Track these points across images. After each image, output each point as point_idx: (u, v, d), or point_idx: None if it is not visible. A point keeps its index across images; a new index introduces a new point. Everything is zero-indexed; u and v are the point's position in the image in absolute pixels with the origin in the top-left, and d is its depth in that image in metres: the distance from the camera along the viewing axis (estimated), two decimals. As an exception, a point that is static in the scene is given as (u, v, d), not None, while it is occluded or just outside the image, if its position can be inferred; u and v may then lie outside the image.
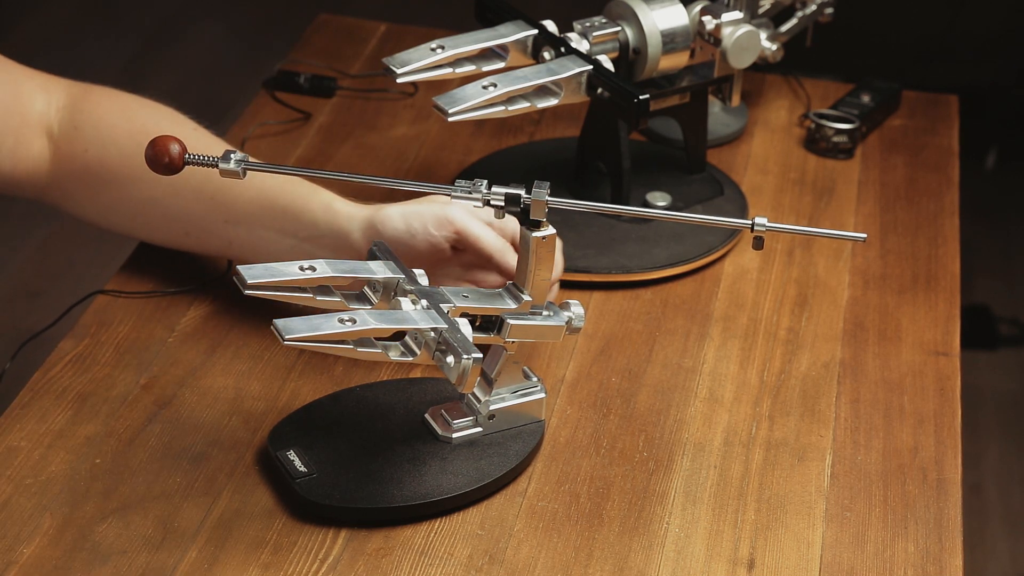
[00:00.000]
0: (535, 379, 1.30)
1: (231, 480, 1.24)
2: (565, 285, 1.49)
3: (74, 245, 1.45)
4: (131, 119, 1.41)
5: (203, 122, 1.45)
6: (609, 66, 1.48)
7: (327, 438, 1.27)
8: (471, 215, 1.34)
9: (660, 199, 1.59)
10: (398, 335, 1.17)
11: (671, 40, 1.55)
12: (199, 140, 1.41)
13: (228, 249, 1.42)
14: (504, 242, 1.35)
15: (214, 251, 1.44)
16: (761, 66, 1.69)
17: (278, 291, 1.18)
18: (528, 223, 1.22)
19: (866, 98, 1.79)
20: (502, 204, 1.21)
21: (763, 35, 1.65)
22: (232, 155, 1.21)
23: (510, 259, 1.34)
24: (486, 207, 1.21)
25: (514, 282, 1.26)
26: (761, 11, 1.65)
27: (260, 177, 1.37)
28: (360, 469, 1.24)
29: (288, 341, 1.11)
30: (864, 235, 1.21)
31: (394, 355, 1.16)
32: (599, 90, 1.46)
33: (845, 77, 2.00)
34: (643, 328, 1.46)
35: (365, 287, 1.23)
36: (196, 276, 1.47)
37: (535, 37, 1.50)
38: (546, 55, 1.49)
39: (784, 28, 1.70)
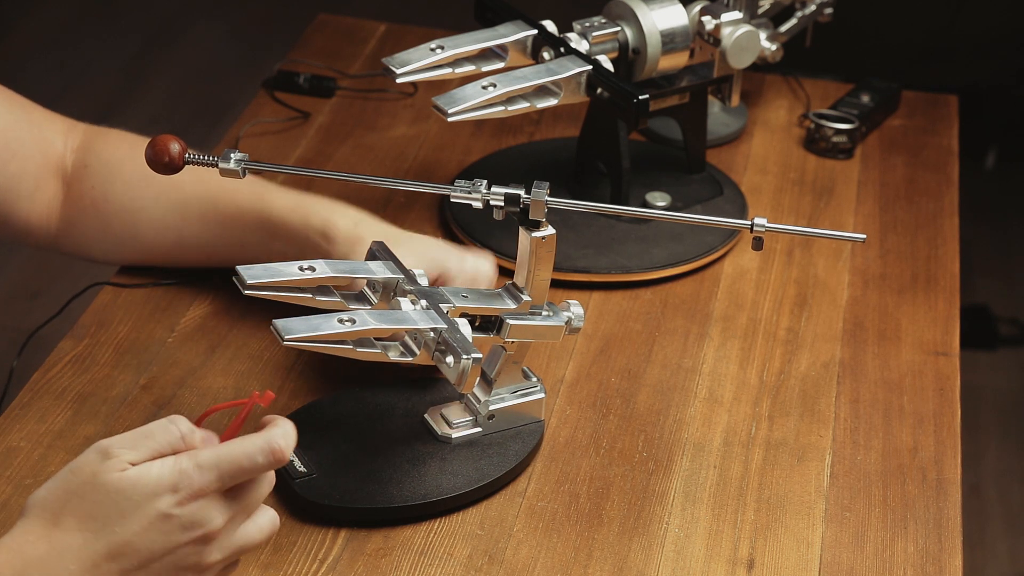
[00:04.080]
0: (535, 379, 1.30)
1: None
2: (565, 285, 1.49)
3: (85, 256, 1.46)
4: (138, 156, 1.41)
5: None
6: (609, 66, 1.48)
7: (327, 438, 1.27)
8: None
9: (660, 199, 1.59)
10: (397, 335, 1.17)
11: (671, 40, 1.55)
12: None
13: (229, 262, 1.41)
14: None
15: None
16: (761, 66, 1.69)
17: (278, 291, 1.18)
18: (528, 223, 1.22)
19: (866, 98, 1.79)
20: (502, 204, 1.21)
21: (762, 35, 1.65)
22: (232, 154, 1.21)
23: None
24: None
25: (513, 282, 1.26)
26: (761, 11, 1.65)
27: (261, 204, 1.38)
28: (360, 469, 1.24)
29: (288, 341, 1.11)
30: (863, 236, 1.21)
31: (394, 355, 1.16)
32: (599, 90, 1.46)
33: (845, 77, 2.00)
34: (643, 328, 1.46)
35: (365, 287, 1.23)
36: (195, 271, 1.47)
37: (535, 37, 1.50)
38: (546, 55, 1.49)
39: (784, 28, 1.70)
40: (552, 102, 1.46)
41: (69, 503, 1.01)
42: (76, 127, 1.46)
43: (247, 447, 1.02)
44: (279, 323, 1.11)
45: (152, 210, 1.41)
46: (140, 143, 1.42)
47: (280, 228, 1.37)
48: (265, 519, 1.06)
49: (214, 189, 1.40)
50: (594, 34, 1.53)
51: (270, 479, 1.05)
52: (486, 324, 1.24)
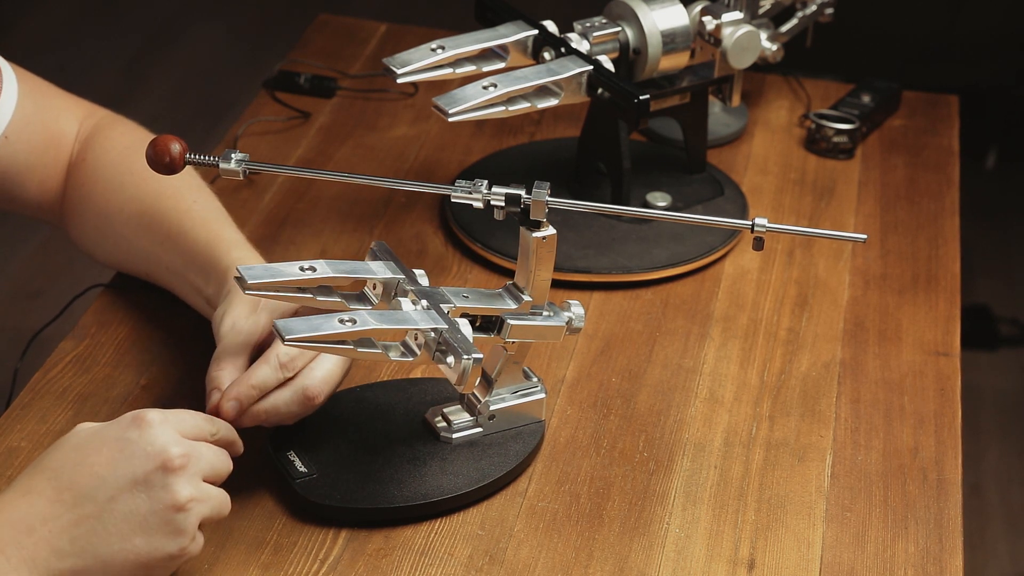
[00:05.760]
0: (535, 379, 1.30)
1: (231, 481, 1.24)
2: (566, 285, 1.49)
3: (75, 245, 1.46)
4: (128, 158, 1.40)
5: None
6: (609, 66, 1.48)
7: (327, 438, 1.27)
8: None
9: (660, 199, 1.59)
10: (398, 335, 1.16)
11: (671, 40, 1.55)
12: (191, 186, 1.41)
13: (172, 291, 1.41)
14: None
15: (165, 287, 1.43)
16: (761, 66, 1.69)
17: (278, 291, 1.18)
18: (528, 223, 1.22)
19: (866, 98, 1.79)
20: (502, 204, 1.21)
21: (763, 35, 1.65)
22: (232, 155, 1.21)
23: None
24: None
25: (514, 282, 1.26)
26: (761, 11, 1.65)
27: (196, 233, 1.36)
28: (360, 469, 1.24)
29: (288, 342, 1.11)
30: (864, 236, 1.21)
31: (394, 355, 1.16)
32: (599, 90, 1.46)
33: (845, 77, 2.00)
34: (643, 328, 1.46)
35: (365, 287, 1.23)
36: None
37: (535, 37, 1.50)
38: (546, 55, 1.49)
39: (784, 28, 1.70)
40: (553, 102, 1.46)
41: (38, 465, 1.08)
42: (93, 115, 1.46)
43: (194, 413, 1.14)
44: (280, 323, 1.11)
45: (116, 217, 1.40)
46: (138, 143, 1.41)
47: (200, 263, 1.35)
48: (223, 494, 1.12)
49: (167, 207, 1.38)
50: (595, 34, 1.53)
51: (227, 454, 1.14)
52: (487, 324, 1.24)
